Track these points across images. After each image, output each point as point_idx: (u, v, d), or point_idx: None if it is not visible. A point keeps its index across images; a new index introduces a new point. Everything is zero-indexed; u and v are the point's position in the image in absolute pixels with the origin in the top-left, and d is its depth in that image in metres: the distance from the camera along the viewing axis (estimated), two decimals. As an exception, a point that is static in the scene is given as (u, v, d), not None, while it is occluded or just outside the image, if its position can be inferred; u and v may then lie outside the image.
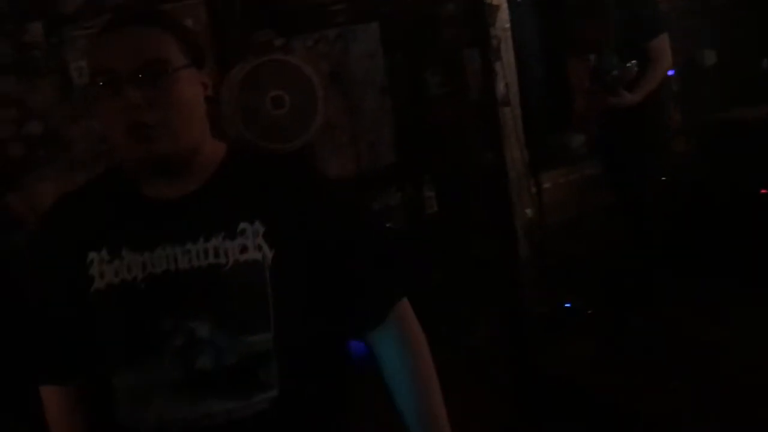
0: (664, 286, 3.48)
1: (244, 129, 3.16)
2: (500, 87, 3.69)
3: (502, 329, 3.39)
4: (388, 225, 3.60)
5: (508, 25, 3.70)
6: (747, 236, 3.60)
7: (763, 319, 3.17)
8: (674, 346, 3.15)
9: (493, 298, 3.46)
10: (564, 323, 3.56)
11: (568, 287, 3.81)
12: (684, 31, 4.79)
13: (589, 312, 3.57)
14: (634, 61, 3.07)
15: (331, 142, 3.82)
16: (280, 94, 3.14)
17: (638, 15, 3.17)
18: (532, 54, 4.22)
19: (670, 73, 4.17)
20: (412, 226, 3.82)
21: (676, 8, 4.81)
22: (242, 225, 1.16)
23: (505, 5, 3.67)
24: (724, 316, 3.30)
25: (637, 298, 3.44)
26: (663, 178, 3.73)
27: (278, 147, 3.33)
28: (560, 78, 3.74)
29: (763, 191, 3.59)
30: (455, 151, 3.52)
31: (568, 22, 3.49)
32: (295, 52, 3.51)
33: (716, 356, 3.01)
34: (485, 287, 3.46)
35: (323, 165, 3.63)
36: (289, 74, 3.15)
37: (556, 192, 4.20)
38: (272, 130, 3.27)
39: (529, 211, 3.85)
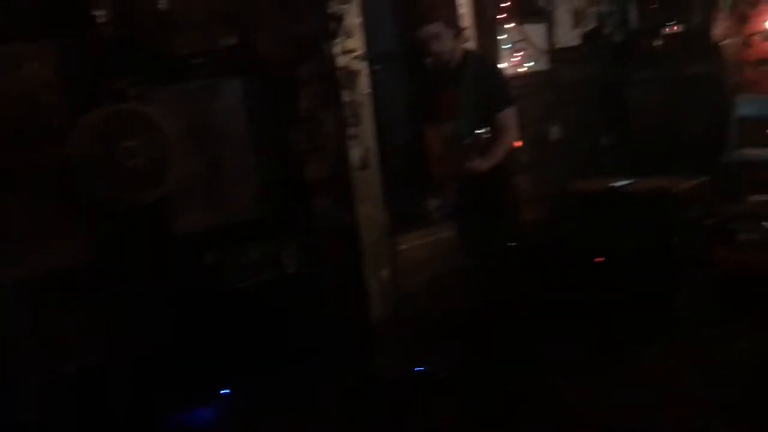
0: (519, 349, 3.60)
1: (95, 179, 3.03)
2: (360, 150, 3.77)
3: (353, 393, 3.37)
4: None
5: (368, 91, 3.80)
6: (585, 302, 3.85)
7: (607, 380, 3.35)
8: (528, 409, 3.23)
9: (345, 361, 3.44)
10: (417, 387, 3.59)
11: (424, 350, 3.85)
12: (535, 106, 5.15)
13: (443, 375, 3.62)
14: (484, 130, 3.24)
15: (190, 195, 3.71)
16: (132, 144, 3.03)
17: (490, 89, 3.36)
18: (394, 119, 4.35)
19: (518, 144, 4.44)
20: (272, 284, 3.75)
21: (529, 84, 5.16)
22: None
23: (365, 71, 3.77)
24: (578, 376, 3.45)
25: (492, 360, 3.53)
26: (511, 244, 3.93)
27: (130, 198, 3.20)
28: (420, 143, 3.87)
29: (599, 259, 3.85)
30: (315, 210, 3.52)
31: (426, 92, 3.65)
32: (153, 102, 3.41)
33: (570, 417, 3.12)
34: (338, 349, 3.44)
35: (181, 218, 3.52)
36: (141, 125, 3.05)
37: (414, 253, 4.28)
38: (124, 181, 3.15)
39: (385, 272, 3.90)
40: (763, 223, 3.58)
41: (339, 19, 3.45)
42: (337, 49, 3.61)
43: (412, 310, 4.03)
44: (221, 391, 3.47)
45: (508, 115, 3.39)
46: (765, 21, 5.45)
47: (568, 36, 5.39)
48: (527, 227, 4.59)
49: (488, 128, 3.31)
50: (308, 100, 3.42)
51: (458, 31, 3.52)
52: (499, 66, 4.18)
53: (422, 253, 4.29)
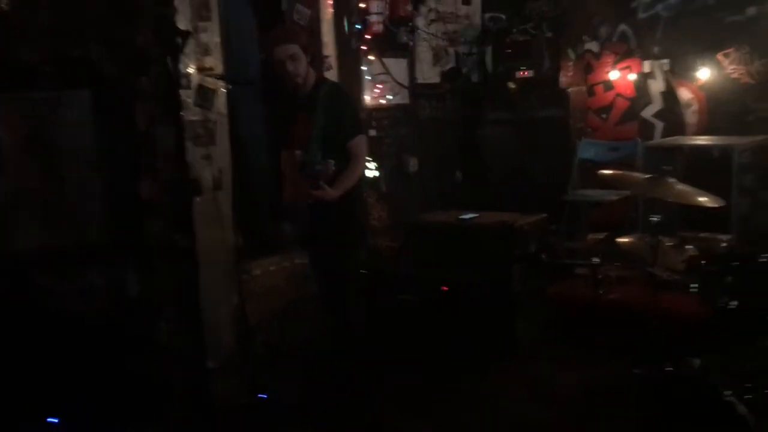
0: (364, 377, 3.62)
1: None
2: (213, 171, 3.69)
3: (192, 422, 3.26)
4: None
5: (225, 111, 3.75)
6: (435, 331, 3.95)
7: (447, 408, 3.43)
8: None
9: (185, 390, 3.32)
10: (265, 415, 3.52)
11: (274, 378, 3.80)
12: (394, 139, 5.29)
13: (290, 403, 3.58)
14: (332, 160, 3.28)
15: (27, 209, 3.48)
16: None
17: (342, 117, 3.41)
18: (252, 141, 4.31)
19: (376, 174, 4.54)
20: (113, 308, 3.56)
21: (390, 116, 5.30)
22: None
23: (222, 90, 3.72)
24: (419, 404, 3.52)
25: (344, 389, 3.53)
26: (362, 272, 3.98)
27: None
28: (275, 167, 3.85)
29: (444, 288, 3.97)
30: (150, 233, 3.39)
31: (281, 116, 3.64)
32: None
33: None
34: (176, 379, 3.32)
35: (12, 233, 3.30)
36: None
37: (267, 279, 4.24)
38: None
39: (234, 298, 3.82)
40: (594, 259, 3.83)
41: (186, 34, 3.37)
42: (189, 66, 3.54)
43: (262, 338, 3.97)
44: (49, 420, 3.25)
45: (358, 144, 3.45)
46: (607, 72, 5.93)
47: (429, 73, 5.61)
48: (380, 255, 4.70)
49: (339, 156, 3.34)
50: (145, 116, 3.30)
51: (315, 56, 3.55)
52: (352, 95, 4.25)
53: (275, 280, 4.25)
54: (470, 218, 4.31)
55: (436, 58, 5.65)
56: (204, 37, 3.65)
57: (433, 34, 5.57)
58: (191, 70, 3.58)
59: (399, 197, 5.22)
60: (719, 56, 5.37)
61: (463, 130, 5.70)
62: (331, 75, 4.69)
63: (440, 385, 3.66)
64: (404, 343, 3.92)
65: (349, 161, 3.39)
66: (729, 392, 2.29)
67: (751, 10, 5.18)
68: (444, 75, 5.70)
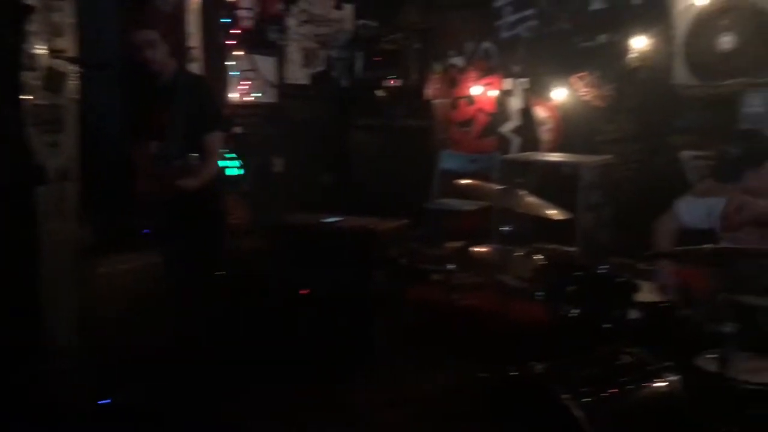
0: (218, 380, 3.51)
1: None
2: (59, 160, 3.44)
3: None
4: None
5: (76, 96, 3.51)
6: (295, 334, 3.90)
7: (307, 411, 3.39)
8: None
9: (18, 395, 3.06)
10: (108, 420, 3.32)
11: (119, 381, 3.59)
12: (259, 137, 5.19)
13: (134, 408, 3.39)
14: (193, 154, 3.16)
15: None
16: None
17: (200, 110, 3.29)
18: (105, 130, 4.07)
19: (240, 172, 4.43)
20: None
21: (256, 114, 5.19)
22: None
23: (74, 74, 3.48)
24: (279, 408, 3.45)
25: (194, 392, 3.39)
26: (221, 273, 3.86)
27: None
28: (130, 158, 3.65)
29: (303, 292, 3.93)
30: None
31: (138, 106, 3.47)
32: None
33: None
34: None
35: None
36: None
37: (116, 277, 4.00)
38: None
39: (78, 297, 3.58)
40: (449, 266, 3.94)
41: (27, 9, 3.13)
42: (37, 46, 3.28)
43: (108, 339, 3.74)
44: None
45: (215, 140, 3.35)
46: (470, 87, 6.14)
47: (298, 73, 5.56)
48: (240, 256, 4.57)
49: (195, 150, 3.23)
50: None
51: (178, 46, 3.41)
52: (213, 89, 4.10)
53: (125, 278, 4.02)
54: (333, 221, 4.30)
55: (307, 59, 5.61)
56: (56, 16, 3.40)
57: (304, 35, 5.53)
58: (39, 50, 3.32)
59: (262, 197, 5.12)
60: (573, 79, 5.71)
61: (330, 133, 5.69)
62: (196, 67, 4.53)
63: (298, 389, 3.61)
64: (264, 346, 3.84)
65: (204, 155, 3.28)
66: (567, 395, 2.40)
67: (602, 38, 5.55)
68: (314, 77, 5.67)
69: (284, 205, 5.09)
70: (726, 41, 5.11)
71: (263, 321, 4.00)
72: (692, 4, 5.16)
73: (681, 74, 5.27)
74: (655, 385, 2.63)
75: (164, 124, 3.21)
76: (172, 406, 3.37)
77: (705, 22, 5.14)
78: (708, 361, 2.67)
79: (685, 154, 5.36)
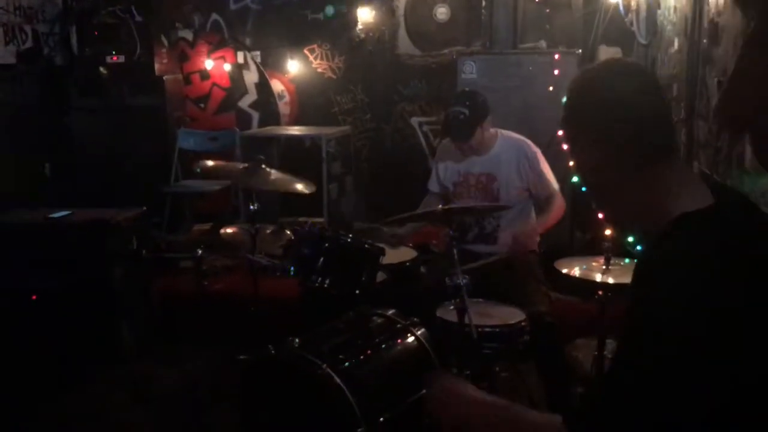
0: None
1: None
2: None
3: None
4: None
5: None
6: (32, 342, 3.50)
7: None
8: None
9: None
10: None
11: None
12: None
13: None
14: None
15: None
16: None
17: None
18: None
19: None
20: None
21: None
22: None
23: None
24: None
25: None
26: None
27: None
28: None
29: (33, 297, 3.52)
30: None
31: None
32: None
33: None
34: None
35: None
36: None
37: None
38: None
39: None
40: (198, 251, 3.77)
41: None
42: None
43: None
44: None
45: None
46: (203, 61, 5.90)
47: (1, 52, 4.89)
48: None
49: None
50: None
51: None
52: None
53: None
54: (62, 216, 3.86)
55: (10, 35, 4.95)
56: None
57: (2, 9, 4.86)
58: None
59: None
60: (306, 51, 5.76)
61: (47, 117, 5.11)
62: None
63: (38, 399, 3.25)
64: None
65: None
66: (324, 365, 2.42)
67: (329, 10, 5.67)
68: (21, 55, 5.03)
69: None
70: (441, 12, 5.50)
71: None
72: (409, -23, 5.47)
73: (404, 45, 5.58)
74: (405, 340, 2.77)
75: None
76: None
77: (422, -5, 5.47)
78: (447, 311, 2.88)
79: (415, 120, 5.72)
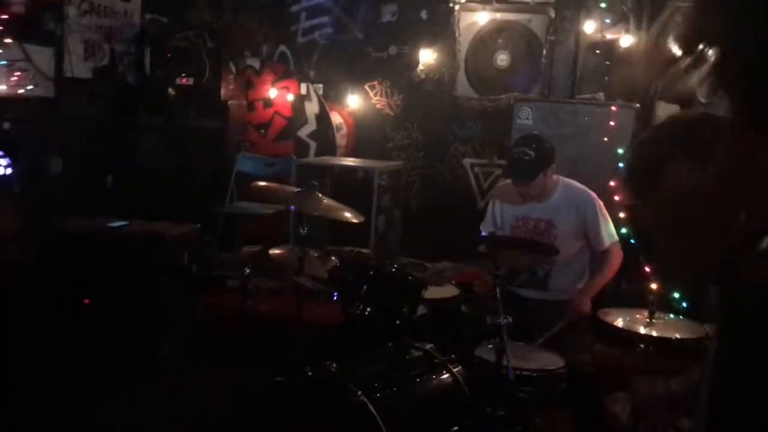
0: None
1: None
2: None
3: None
4: None
5: None
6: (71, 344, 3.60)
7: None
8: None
9: None
10: None
11: None
12: (33, 134, 4.72)
13: None
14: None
15: None
16: None
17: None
18: None
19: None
20: None
21: (29, 109, 4.71)
22: None
23: None
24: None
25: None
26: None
27: None
28: None
29: (86, 301, 3.64)
30: None
31: None
32: None
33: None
34: None
35: None
36: None
37: None
38: None
39: None
40: (245, 270, 3.86)
41: None
42: None
43: None
44: None
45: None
46: (267, 90, 6.10)
47: (80, 67, 5.15)
48: (8, 265, 4.13)
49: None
50: None
51: None
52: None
53: None
54: (119, 226, 4.02)
55: (89, 52, 5.21)
56: None
57: (85, 27, 5.13)
58: None
59: (36, 201, 4.65)
60: (366, 87, 5.90)
61: (115, 132, 5.33)
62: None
63: (74, 408, 3.33)
64: (37, 363, 3.48)
65: None
66: (360, 393, 2.46)
67: (392, 49, 5.81)
68: (97, 72, 5.29)
69: (63, 209, 4.68)
70: (502, 59, 5.58)
71: (37, 336, 3.64)
72: (474, 22, 5.58)
73: (463, 87, 5.67)
74: (441, 376, 2.78)
75: None
76: None
77: (484, 40, 5.58)
78: (486, 351, 2.88)
79: (467, 161, 5.78)
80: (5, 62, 4.40)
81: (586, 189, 3.42)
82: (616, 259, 3.35)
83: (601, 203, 3.40)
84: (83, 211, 4.52)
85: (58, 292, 3.80)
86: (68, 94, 4.97)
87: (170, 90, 5.44)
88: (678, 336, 2.76)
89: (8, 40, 4.43)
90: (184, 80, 5.41)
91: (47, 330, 3.68)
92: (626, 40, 5.04)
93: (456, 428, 2.66)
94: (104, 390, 3.47)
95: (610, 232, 3.35)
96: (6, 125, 4.41)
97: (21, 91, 4.59)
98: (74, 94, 5.03)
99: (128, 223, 4.06)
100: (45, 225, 4.28)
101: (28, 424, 3.18)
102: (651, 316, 2.78)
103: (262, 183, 3.61)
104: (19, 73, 4.53)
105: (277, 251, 3.54)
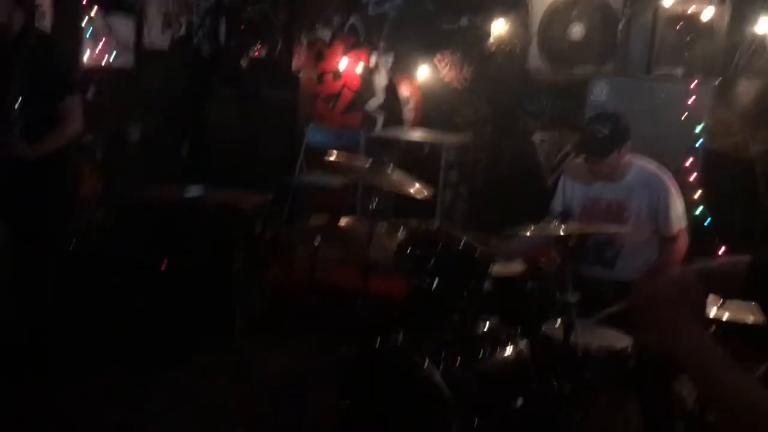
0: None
1: None
2: None
3: None
4: None
5: None
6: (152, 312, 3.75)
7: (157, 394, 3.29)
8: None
9: None
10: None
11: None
12: (114, 103, 4.90)
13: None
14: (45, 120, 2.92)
15: None
16: None
17: (51, 74, 3.06)
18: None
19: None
20: None
21: (111, 79, 4.89)
22: None
23: None
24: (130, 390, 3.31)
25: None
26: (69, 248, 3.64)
27: None
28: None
29: (163, 268, 3.78)
30: None
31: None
32: None
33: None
34: None
35: None
36: None
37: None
38: None
39: None
40: (315, 242, 3.94)
41: None
42: None
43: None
44: None
45: (70, 107, 3.12)
46: (337, 62, 6.13)
47: (158, 38, 5.30)
48: (94, 230, 4.33)
49: (47, 115, 3.00)
50: None
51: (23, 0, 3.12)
52: (66, 50, 3.78)
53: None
54: (194, 196, 4.15)
55: (167, 23, 5.36)
56: None
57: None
58: None
59: (117, 168, 4.86)
60: (435, 59, 5.86)
61: (190, 102, 5.49)
62: (45, 26, 4.20)
63: (145, 372, 3.47)
64: (115, 327, 3.65)
65: (58, 122, 3.06)
66: (426, 363, 2.50)
67: (464, 21, 5.74)
68: (174, 43, 5.44)
69: (142, 175, 4.86)
70: (576, 31, 5.45)
71: (114, 300, 3.81)
72: (547, -7, 5.45)
73: (535, 60, 5.56)
74: (507, 350, 2.81)
75: (8, 87, 2.94)
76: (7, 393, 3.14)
77: (558, 12, 5.45)
78: (553, 328, 2.88)
79: (537, 136, 5.69)
80: (90, 33, 4.58)
81: (660, 170, 3.34)
82: (682, 245, 3.28)
83: (676, 186, 3.31)
84: (160, 177, 4.70)
85: (136, 256, 3.97)
86: (147, 65, 5.14)
87: (243, 61, 5.56)
88: (752, 319, 2.70)
89: (93, 12, 4.60)
90: (257, 53, 5.51)
91: (125, 294, 3.85)
92: (708, 13, 4.84)
93: (521, 401, 2.69)
94: (177, 357, 3.58)
95: (681, 216, 3.28)
96: (90, 95, 4.60)
97: (104, 61, 4.76)
98: (152, 65, 5.19)
99: (202, 193, 4.18)
100: (125, 191, 4.47)
101: (107, 385, 3.33)
102: (723, 299, 2.72)
103: (333, 156, 3.66)
104: (102, 44, 4.71)
105: (344, 223, 3.61)
